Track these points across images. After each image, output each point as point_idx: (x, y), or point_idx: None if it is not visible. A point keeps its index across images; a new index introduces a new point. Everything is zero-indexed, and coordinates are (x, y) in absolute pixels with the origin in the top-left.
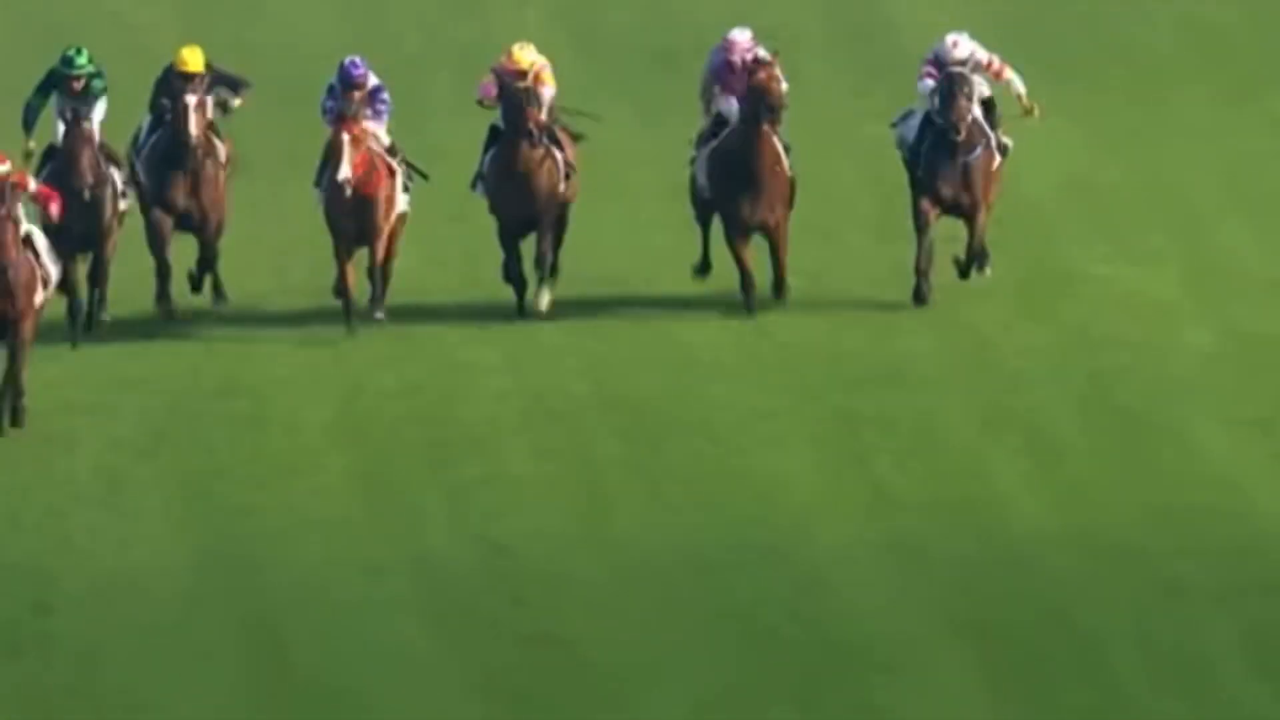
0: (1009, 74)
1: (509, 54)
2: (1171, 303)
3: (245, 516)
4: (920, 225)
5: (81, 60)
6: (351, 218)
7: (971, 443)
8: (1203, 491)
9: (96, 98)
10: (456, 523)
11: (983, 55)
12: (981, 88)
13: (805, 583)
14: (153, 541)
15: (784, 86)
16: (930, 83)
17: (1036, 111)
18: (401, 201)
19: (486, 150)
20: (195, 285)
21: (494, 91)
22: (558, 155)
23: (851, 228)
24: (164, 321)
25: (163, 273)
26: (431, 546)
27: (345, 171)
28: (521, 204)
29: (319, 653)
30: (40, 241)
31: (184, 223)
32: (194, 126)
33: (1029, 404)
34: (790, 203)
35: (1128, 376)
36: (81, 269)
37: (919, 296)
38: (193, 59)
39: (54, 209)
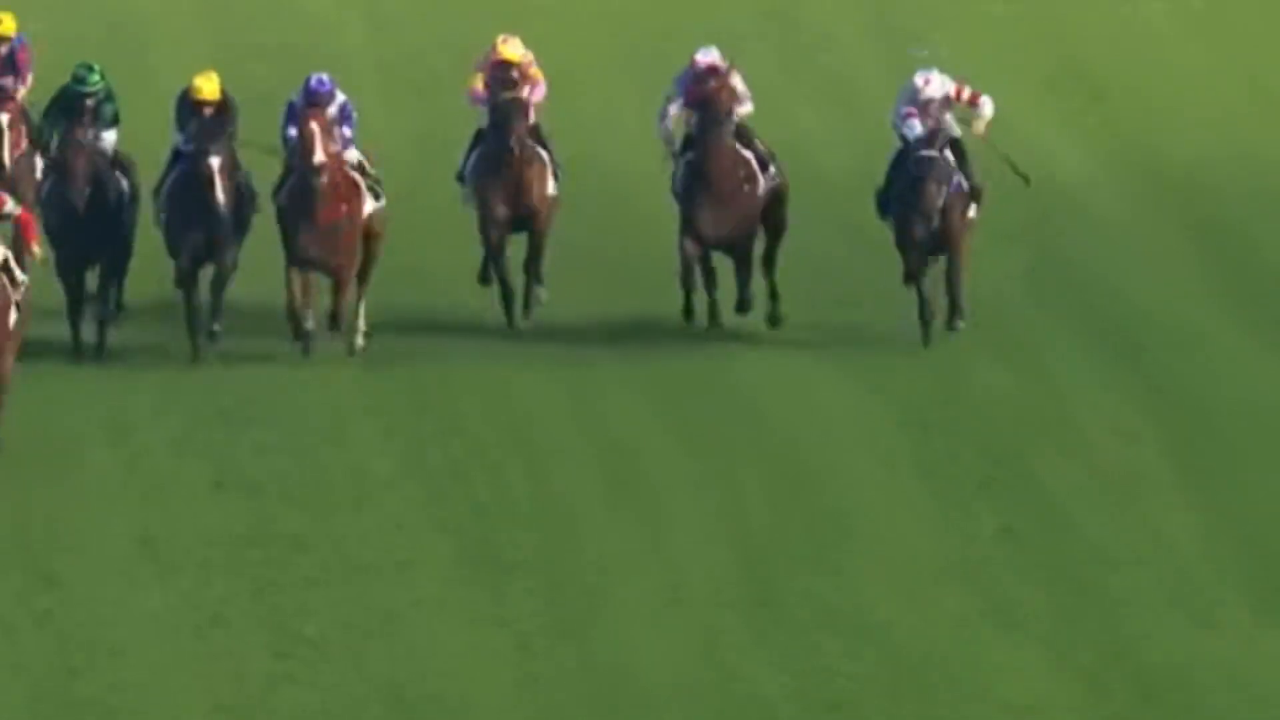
0: (983, 99)
1: (495, 48)
2: None
3: None
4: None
5: (94, 78)
6: (317, 247)
7: (782, 95)
8: (992, 139)
9: (107, 125)
10: None
11: (951, 87)
12: (951, 129)
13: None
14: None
15: (739, 87)
16: (917, 124)
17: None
18: (369, 205)
19: (472, 150)
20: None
21: (482, 93)
22: (544, 155)
23: None
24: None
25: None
26: None
27: (319, 156)
28: (510, 200)
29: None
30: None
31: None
32: (221, 193)
33: (835, 61)
34: (774, 220)
35: (926, 39)
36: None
37: (925, 331)
38: (208, 87)
39: (28, 238)
